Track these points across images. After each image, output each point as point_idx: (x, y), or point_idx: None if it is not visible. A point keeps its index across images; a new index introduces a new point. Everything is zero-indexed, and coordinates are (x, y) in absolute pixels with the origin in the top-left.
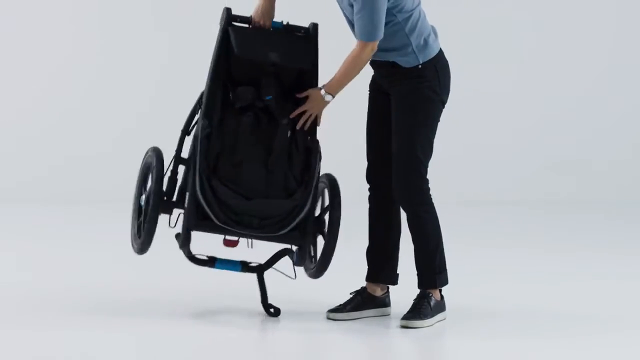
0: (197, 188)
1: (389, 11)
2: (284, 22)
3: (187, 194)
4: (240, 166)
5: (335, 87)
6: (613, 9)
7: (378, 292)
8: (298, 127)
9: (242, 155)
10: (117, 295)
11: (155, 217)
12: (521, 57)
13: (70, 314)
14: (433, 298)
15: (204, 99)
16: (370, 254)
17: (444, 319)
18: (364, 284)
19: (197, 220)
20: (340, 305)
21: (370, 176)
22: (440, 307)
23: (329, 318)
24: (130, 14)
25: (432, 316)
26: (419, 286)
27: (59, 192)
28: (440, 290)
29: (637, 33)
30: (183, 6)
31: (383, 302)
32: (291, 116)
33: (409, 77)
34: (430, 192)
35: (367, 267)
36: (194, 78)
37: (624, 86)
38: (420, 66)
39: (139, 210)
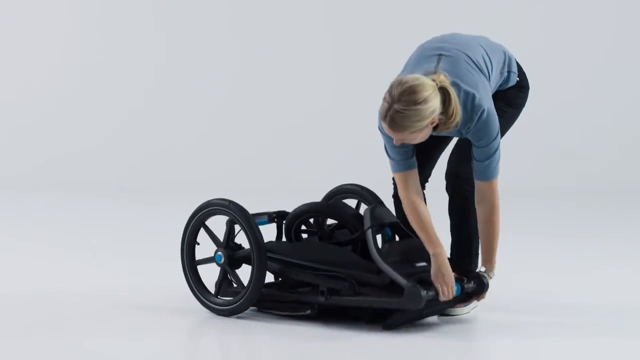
0: None
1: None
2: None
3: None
4: None
5: (495, 261)
6: (614, 5)
7: None
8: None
9: None
10: (115, 288)
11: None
12: (522, 55)
13: (70, 308)
14: (466, 284)
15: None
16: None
17: (477, 306)
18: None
19: None
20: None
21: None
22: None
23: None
24: (129, 13)
25: (468, 303)
26: (456, 271)
27: (55, 182)
28: None
29: (637, 31)
30: (182, 6)
31: None
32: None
33: (509, 89)
34: None
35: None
36: (189, 78)
37: (623, 83)
38: (518, 78)
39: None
